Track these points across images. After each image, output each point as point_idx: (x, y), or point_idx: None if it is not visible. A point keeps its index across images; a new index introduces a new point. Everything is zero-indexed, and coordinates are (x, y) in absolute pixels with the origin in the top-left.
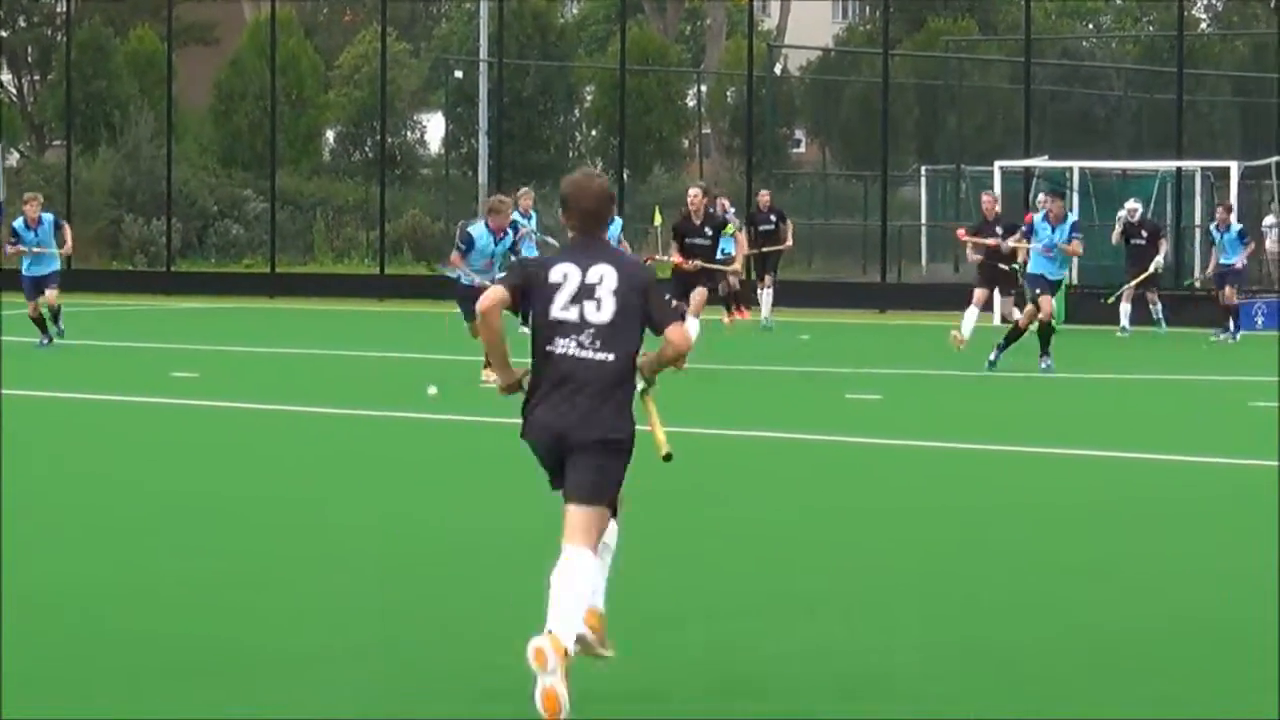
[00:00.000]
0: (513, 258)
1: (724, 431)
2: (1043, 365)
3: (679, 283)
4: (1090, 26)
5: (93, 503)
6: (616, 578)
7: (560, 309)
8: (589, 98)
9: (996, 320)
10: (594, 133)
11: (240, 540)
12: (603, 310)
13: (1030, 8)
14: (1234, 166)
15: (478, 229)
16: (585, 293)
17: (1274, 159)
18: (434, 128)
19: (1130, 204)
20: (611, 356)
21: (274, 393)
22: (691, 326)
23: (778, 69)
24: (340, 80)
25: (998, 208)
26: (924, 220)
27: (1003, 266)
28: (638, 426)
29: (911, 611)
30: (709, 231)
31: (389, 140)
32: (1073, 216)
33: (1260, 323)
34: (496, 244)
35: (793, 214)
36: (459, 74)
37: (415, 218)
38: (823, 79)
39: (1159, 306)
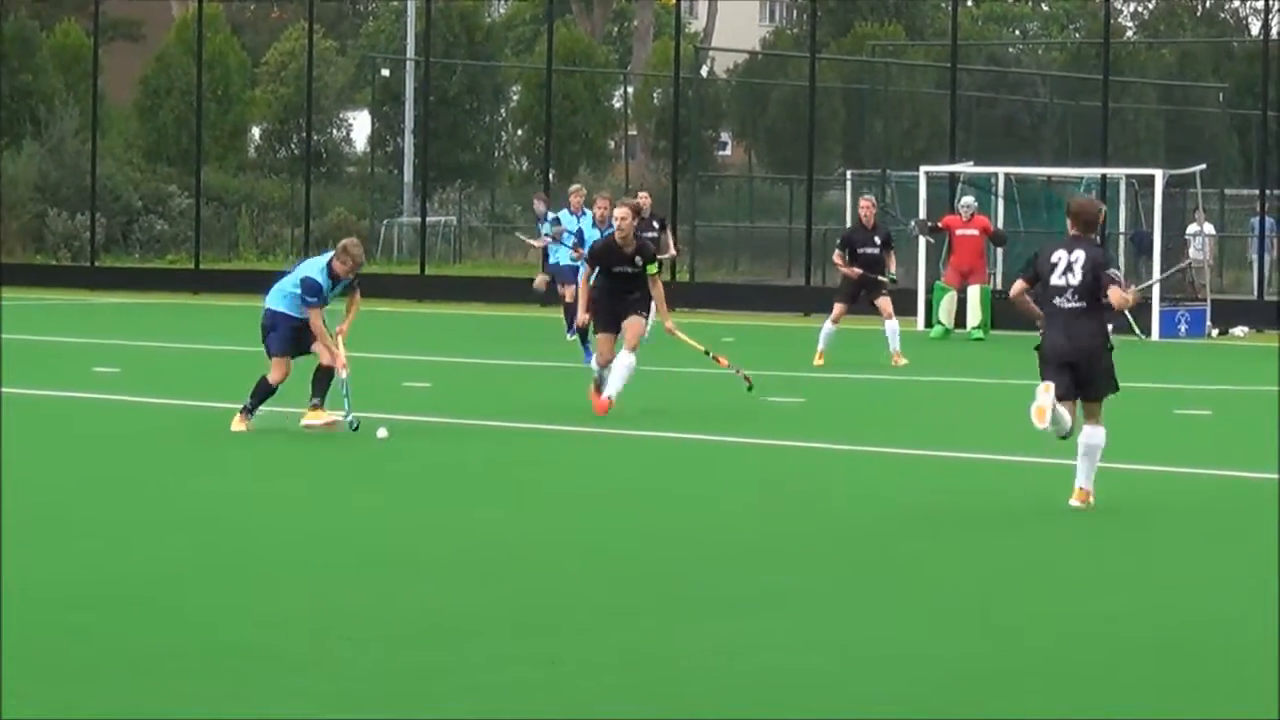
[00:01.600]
0: (556, 254)
1: (645, 433)
2: None
3: (602, 314)
4: (1017, 33)
5: (9, 497)
6: (525, 572)
7: (1057, 277)
8: (515, 97)
9: (889, 324)
10: (520, 132)
11: (159, 535)
12: (1077, 276)
13: (957, 13)
14: (1158, 174)
15: (322, 275)
16: (1068, 268)
17: (1199, 167)
18: (360, 126)
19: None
20: (1083, 303)
21: (196, 389)
22: (627, 362)
23: (704, 71)
24: (266, 77)
25: (875, 213)
26: (849, 224)
27: (880, 279)
28: None
29: (832, 611)
30: (639, 261)
31: (314, 138)
32: None
33: (1184, 330)
34: (334, 288)
35: (718, 216)
36: (385, 72)
37: (340, 215)
38: (749, 82)
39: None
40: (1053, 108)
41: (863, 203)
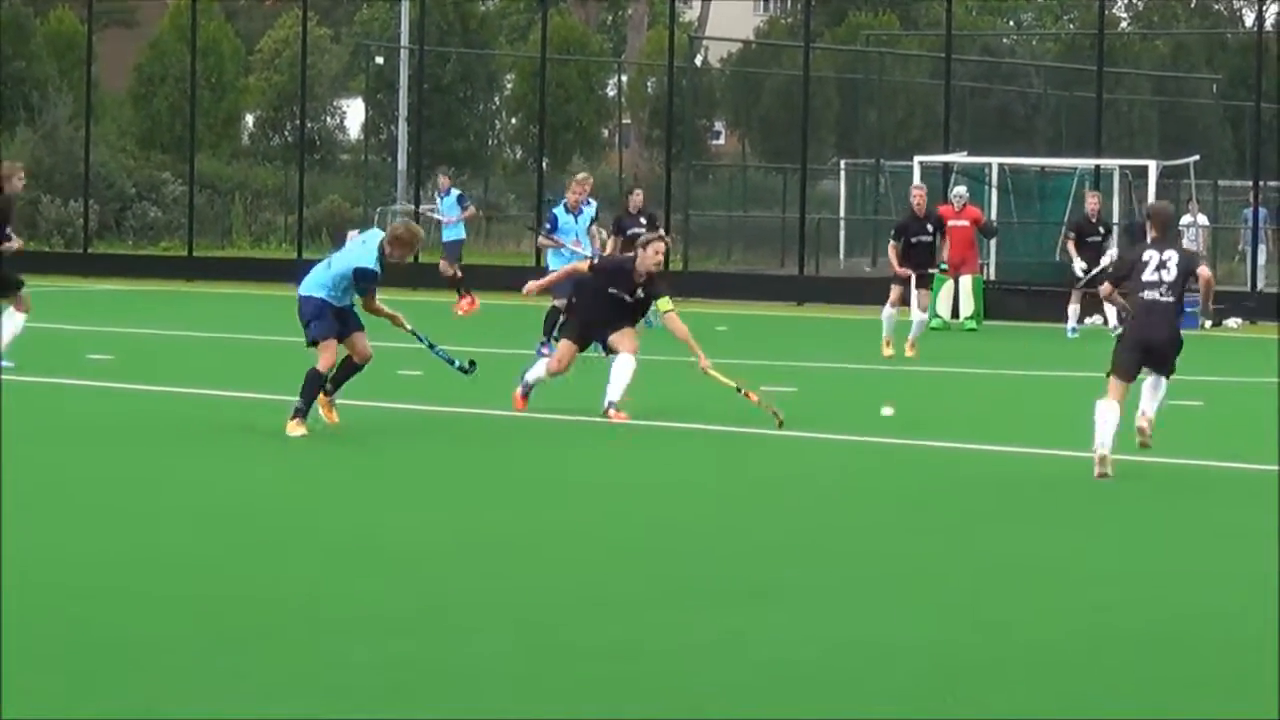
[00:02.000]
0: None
1: (636, 423)
2: None
3: (578, 322)
4: (1011, 23)
5: (3, 486)
6: (523, 563)
7: (1149, 274)
8: (509, 86)
9: (916, 314)
10: (514, 121)
11: (156, 524)
12: (1170, 274)
13: (951, 3)
14: (1152, 165)
15: (376, 262)
16: (1161, 265)
17: (1192, 158)
18: (354, 113)
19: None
20: (1174, 299)
21: (190, 376)
22: (631, 366)
23: (698, 60)
24: (260, 64)
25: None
26: (842, 214)
27: (931, 271)
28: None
29: (825, 603)
30: (639, 294)
31: (308, 125)
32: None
33: None
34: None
35: (712, 205)
36: (379, 60)
37: (334, 203)
38: (743, 71)
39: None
40: (1047, 98)
41: (916, 192)
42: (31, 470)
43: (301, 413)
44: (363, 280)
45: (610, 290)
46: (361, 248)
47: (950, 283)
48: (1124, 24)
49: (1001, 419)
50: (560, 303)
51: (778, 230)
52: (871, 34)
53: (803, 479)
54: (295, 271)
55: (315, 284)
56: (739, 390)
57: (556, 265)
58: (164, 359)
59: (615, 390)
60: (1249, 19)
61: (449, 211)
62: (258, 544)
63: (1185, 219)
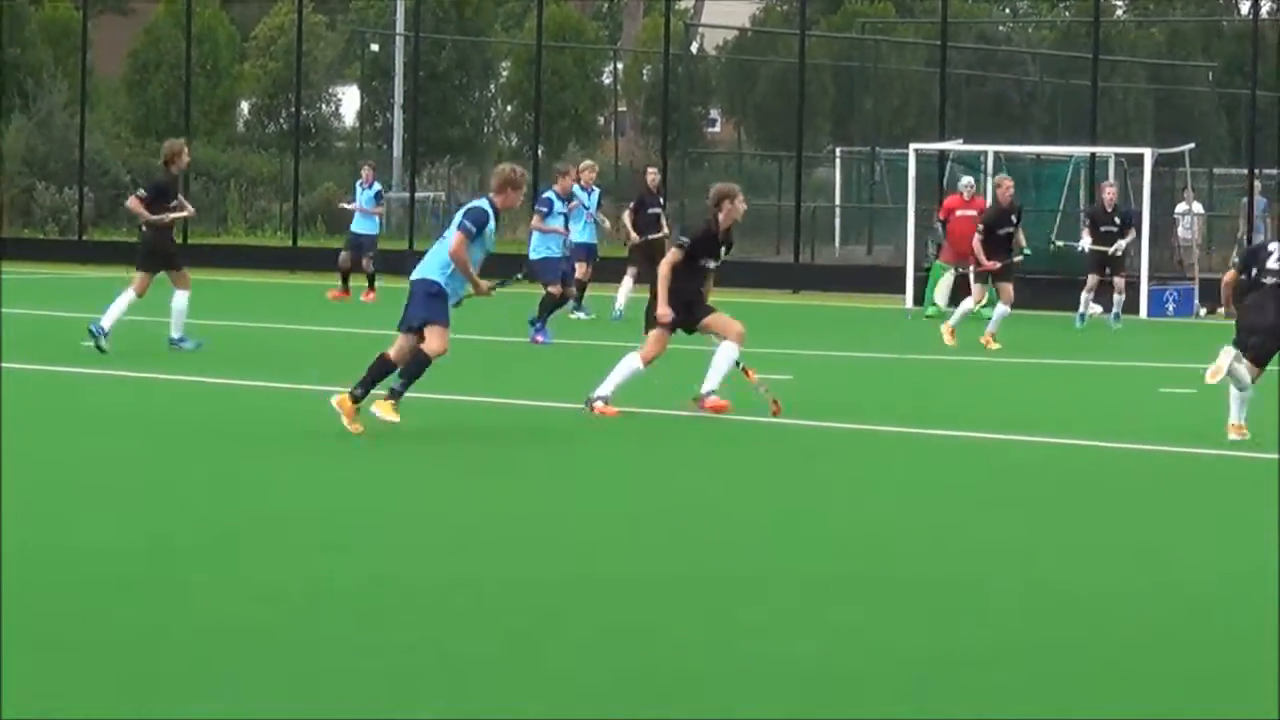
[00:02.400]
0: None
1: (637, 410)
2: None
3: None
4: (1007, 11)
5: None
6: (526, 552)
7: (1271, 264)
8: (505, 73)
9: (1001, 308)
10: (509, 108)
11: (153, 512)
12: None
13: None
14: (1148, 153)
15: (491, 208)
16: None
17: (1187, 146)
18: (349, 101)
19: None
20: None
21: (185, 363)
22: (631, 363)
23: (694, 48)
24: (256, 51)
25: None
26: (838, 202)
27: (1014, 261)
28: None
29: (826, 596)
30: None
31: (304, 113)
32: None
33: (1172, 309)
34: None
35: (707, 193)
36: (375, 47)
37: (329, 191)
38: (739, 58)
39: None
40: (1042, 86)
41: (1005, 183)
42: (26, 461)
43: (397, 394)
44: (474, 219)
45: (701, 262)
46: (463, 208)
47: (951, 271)
48: (1119, 11)
49: (1001, 407)
50: (555, 289)
51: (773, 218)
52: (867, 21)
53: (799, 468)
54: (290, 259)
55: (433, 265)
56: (737, 364)
57: (542, 249)
58: (158, 346)
59: (715, 379)
60: (1244, 6)
61: (368, 205)
62: (256, 536)
63: (1181, 207)
